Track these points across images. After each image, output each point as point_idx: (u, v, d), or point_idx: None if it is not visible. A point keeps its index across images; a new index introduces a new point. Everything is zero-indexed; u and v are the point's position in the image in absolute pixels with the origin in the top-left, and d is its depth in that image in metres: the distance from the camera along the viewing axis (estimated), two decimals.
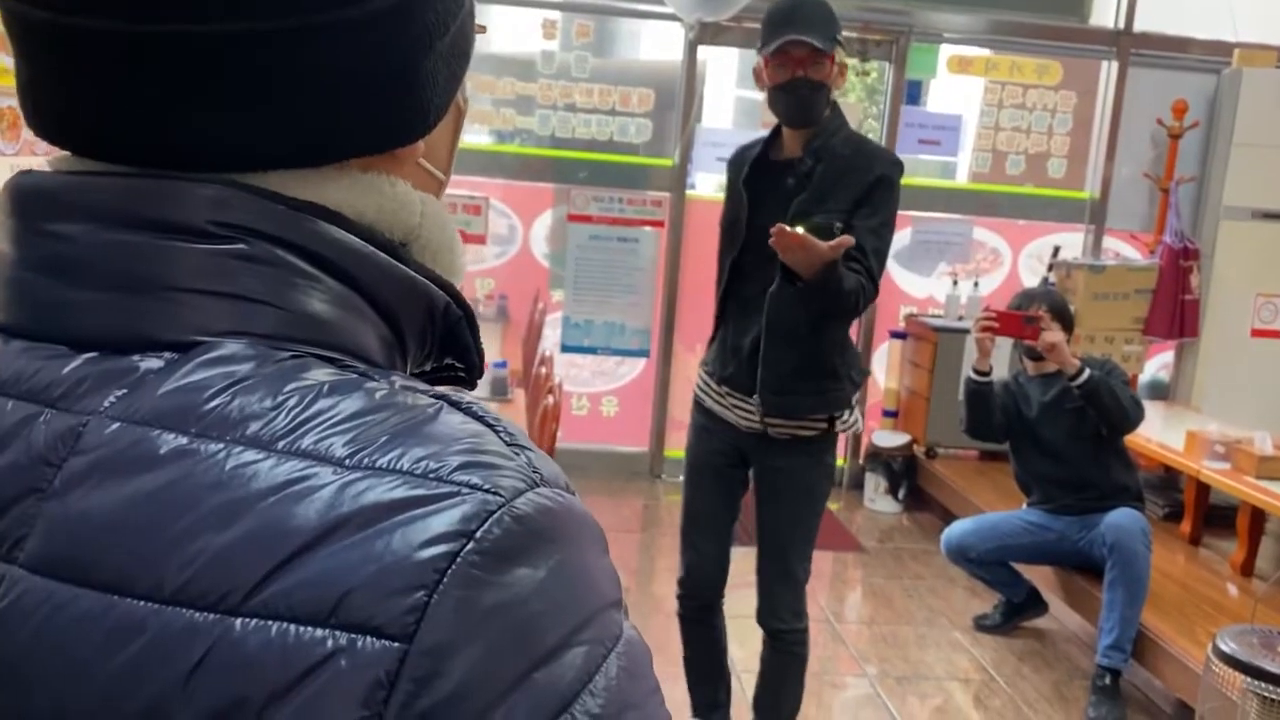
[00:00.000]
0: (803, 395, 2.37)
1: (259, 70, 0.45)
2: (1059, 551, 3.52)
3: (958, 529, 3.65)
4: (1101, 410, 3.28)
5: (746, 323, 2.39)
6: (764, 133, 2.50)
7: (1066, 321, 3.43)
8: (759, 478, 2.49)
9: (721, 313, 2.49)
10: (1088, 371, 3.25)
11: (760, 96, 2.51)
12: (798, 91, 2.30)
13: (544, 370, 3.42)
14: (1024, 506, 3.65)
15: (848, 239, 2.12)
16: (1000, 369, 3.66)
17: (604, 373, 5.24)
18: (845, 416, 2.43)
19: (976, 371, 3.46)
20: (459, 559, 0.40)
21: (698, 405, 2.55)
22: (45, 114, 0.49)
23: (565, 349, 5.04)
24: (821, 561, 4.37)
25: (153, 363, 0.45)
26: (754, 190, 2.40)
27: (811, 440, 2.41)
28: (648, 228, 5.08)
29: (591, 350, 5.13)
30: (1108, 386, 3.26)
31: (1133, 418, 3.33)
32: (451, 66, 0.53)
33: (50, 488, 0.43)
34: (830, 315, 2.32)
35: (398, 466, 0.42)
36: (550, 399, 2.93)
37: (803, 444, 2.41)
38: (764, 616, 2.50)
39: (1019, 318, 3.31)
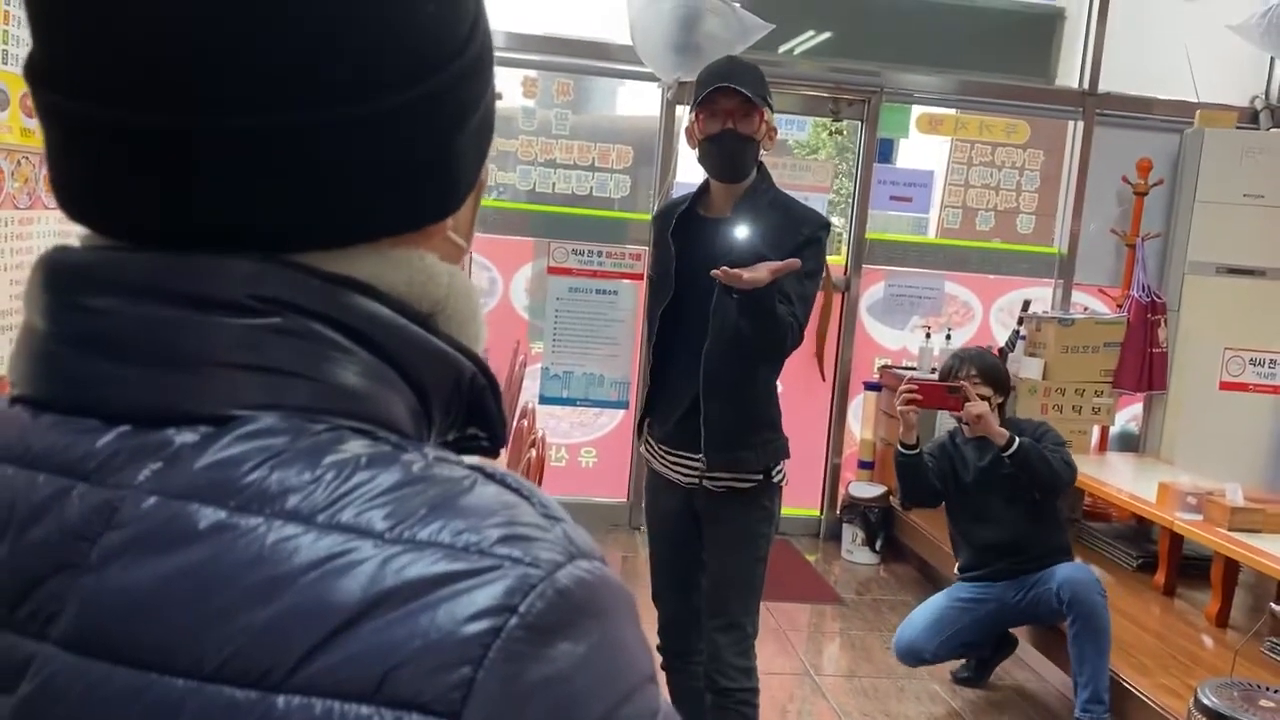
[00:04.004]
0: (746, 449, 2.41)
1: (295, 162, 0.46)
2: (1003, 618, 3.52)
3: (905, 635, 3.52)
4: (1033, 476, 3.26)
5: (681, 379, 2.41)
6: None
7: (999, 382, 3.37)
8: (703, 531, 2.50)
9: (656, 370, 2.53)
10: (1017, 441, 3.23)
11: None
12: (726, 143, 2.34)
13: (525, 423, 3.43)
14: (955, 571, 3.61)
15: (794, 262, 2.18)
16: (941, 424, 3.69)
17: (583, 424, 5.25)
18: (780, 467, 2.47)
19: (903, 445, 3.35)
20: (504, 634, 0.40)
21: (648, 464, 2.61)
22: (77, 198, 0.49)
23: (544, 400, 5.05)
24: (799, 614, 4.36)
25: (188, 436, 0.44)
26: (681, 243, 2.44)
27: (747, 490, 2.44)
28: (626, 280, 5.12)
29: (571, 402, 5.15)
30: (1038, 453, 3.23)
31: (1065, 480, 3.31)
32: (479, 141, 0.54)
33: (85, 563, 0.42)
34: (764, 347, 2.31)
35: (439, 540, 0.42)
36: (533, 452, 2.93)
37: (739, 494, 2.44)
38: (709, 674, 2.45)
39: (942, 389, 3.25)
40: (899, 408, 3.26)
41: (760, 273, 2.12)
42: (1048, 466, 3.24)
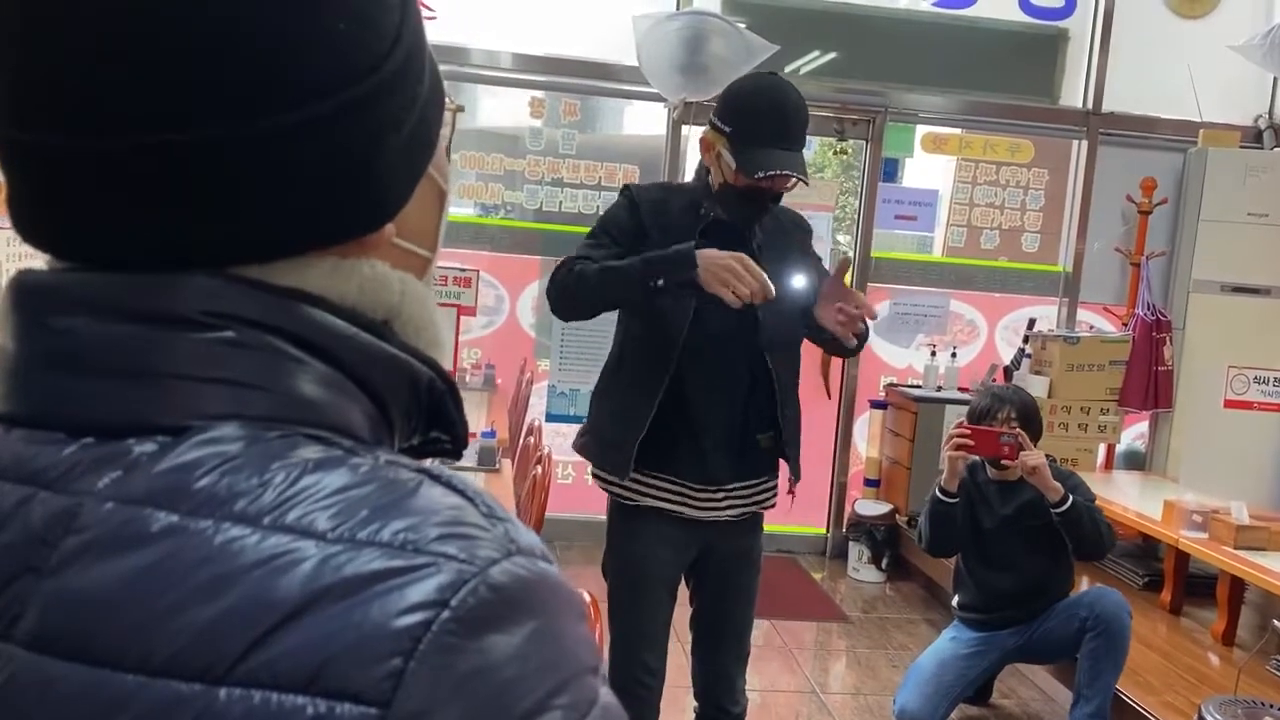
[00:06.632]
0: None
1: (217, 176, 0.47)
2: (1002, 663, 3.45)
3: (909, 706, 3.22)
4: (1078, 538, 3.09)
5: (725, 404, 2.21)
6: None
7: (1035, 426, 3.22)
8: (719, 569, 2.34)
9: (674, 397, 2.18)
10: (1072, 499, 3.04)
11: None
12: (762, 201, 2.17)
13: (532, 440, 3.45)
14: (954, 605, 3.46)
15: (847, 260, 2.25)
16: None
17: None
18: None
19: (944, 492, 3.17)
20: (434, 627, 0.41)
21: (649, 516, 2.28)
22: (30, 223, 0.51)
23: (550, 418, 5.06)
24: (806, 632, 4.37)
25: (147, 446, 0.46)
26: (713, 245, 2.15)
27: (762, 515, 2.38)
28: None
29: (577, 419, 5.14)
30: (1088, 513, 3.06)
31: (1107, 546, 3.17)
32: (411, 157, 0.54)
33: (46, 566, 0.44)
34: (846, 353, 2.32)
35: (377, 539, 0.43)
36: (539, 469, 2.96)
37: (761, 515, 2.38)
38: (719, 704, 2.38)
39: (995, 435, 3.07)
40: (948, 453, 3.11)
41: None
42: (1096, 530, 3.05)
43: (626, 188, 2.32)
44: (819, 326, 2.19)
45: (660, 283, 2.04)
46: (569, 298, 2.18)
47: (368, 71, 0.50)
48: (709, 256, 2.02)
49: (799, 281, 2.27)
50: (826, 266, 2.43)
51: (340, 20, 0.49)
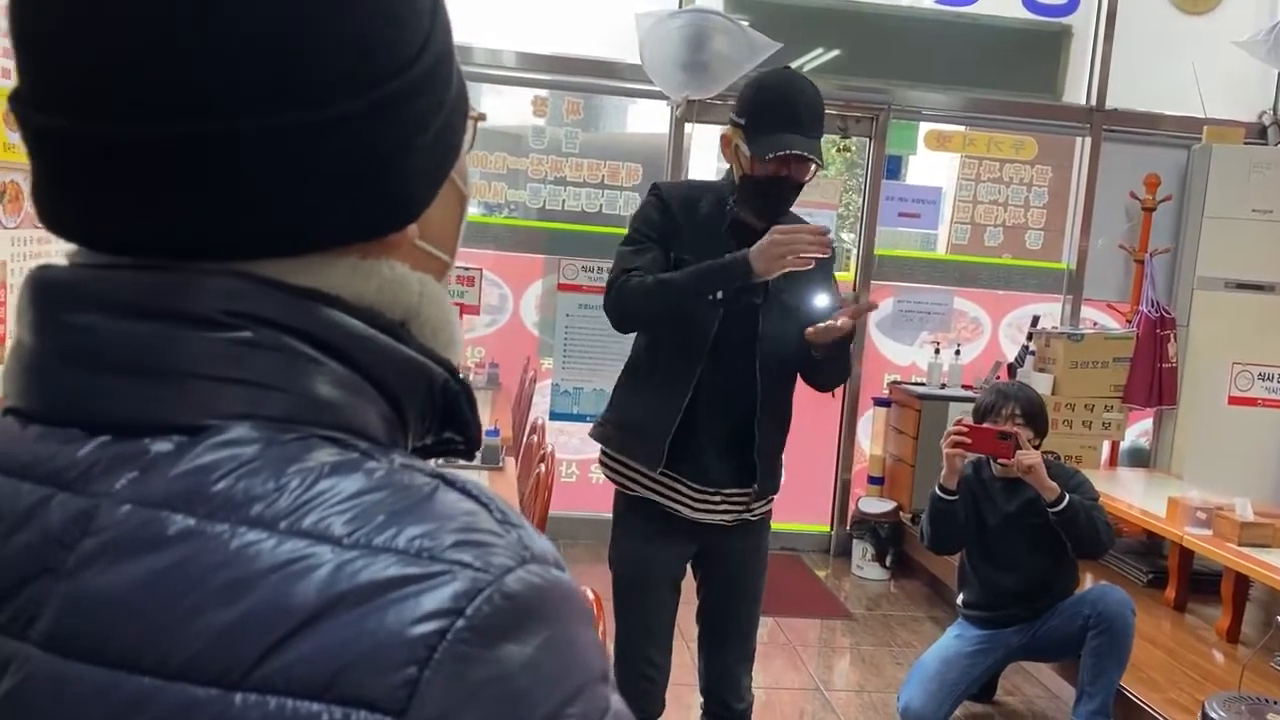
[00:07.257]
0: (779, 469, 2.37)
1: (237, 169, 0.47)
2: (1006, 661, 3.44)
3: (914, 703, 3.21)
4: (1076, 537, 3.09)
5: (724, 409, 2.25)
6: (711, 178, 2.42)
7: (1041, 424, 3.23)
8: (724, 566, 2.37)
9: (690, 398, 2.23)
10: (1068, 499, 3.04)
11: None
12: (780, 190, 2.21)
13: (535, 439, 3.46)
14: (958, 603, 3.45)
15: (873, 304, 2.40)
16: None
17: (592, 440, 5.27)
18: None
19: (944, 490, 3.17)
20: (449, 635, 0.41)
21: (650, 512, 2.32)
22: (51, 210, 0.51)
23: (554, 416, 5.07)
24: (810, 629, 4.37)
25: (163, 446, 0.46)
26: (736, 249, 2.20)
27: (769, 512, 2.40)
28: None
29: (580, 418, 5.17)
30: (1085, 512, 3.05)
31: (1106, 546, 3.18)
32: (435, 159, 0.54)
33: (64, 568, 0.44)
34: (835, 378, 2.34)
35: (393, 545, 0.43)
36: (542, 468, 2.96)
37: (767, 518, 2.40)
38: (724, 701, 2.40)
39: (992, 434, 3.07)
40: (946, 450, 3.12)
41: (848, 325, 2.13)
42: (1092, 527, 3.05)
43: (655, 186, 2.36)
44: (809, 348, 2.20)
45: (719, 295, 2.11)
46: (633, 312, 2.24)
47: (396, 72, 0.50)
48: (755, 252, 2.09)
49: (821, 301, 2.26)
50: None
51: (369, 19, 0.49)
